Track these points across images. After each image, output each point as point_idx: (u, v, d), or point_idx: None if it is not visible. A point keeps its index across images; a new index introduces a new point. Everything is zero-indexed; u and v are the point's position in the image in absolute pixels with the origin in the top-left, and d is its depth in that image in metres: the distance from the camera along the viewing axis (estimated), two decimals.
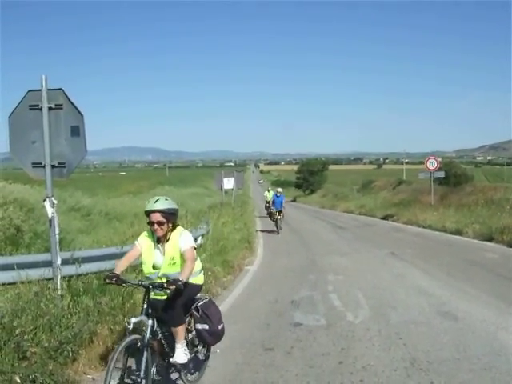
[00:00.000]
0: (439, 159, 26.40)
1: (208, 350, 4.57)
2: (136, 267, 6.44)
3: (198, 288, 4.33)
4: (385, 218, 25.15)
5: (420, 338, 5.57)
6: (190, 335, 4.35)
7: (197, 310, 4.25)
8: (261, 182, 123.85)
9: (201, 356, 4.50)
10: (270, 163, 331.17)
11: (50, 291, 5.41)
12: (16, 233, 13.64)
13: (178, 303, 4.04)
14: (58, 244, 5.56)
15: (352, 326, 6.17)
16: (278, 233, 18.86)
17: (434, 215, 20.01)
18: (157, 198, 4.06)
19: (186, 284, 3.97)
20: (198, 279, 4.29)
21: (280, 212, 19.31)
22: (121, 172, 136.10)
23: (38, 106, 5.39)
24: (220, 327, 4.32)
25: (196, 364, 4.51)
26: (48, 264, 5.69)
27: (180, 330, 4.09)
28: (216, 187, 28.01)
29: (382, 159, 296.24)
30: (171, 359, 4.08)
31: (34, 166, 5.55)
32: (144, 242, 4.13)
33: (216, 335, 4.30)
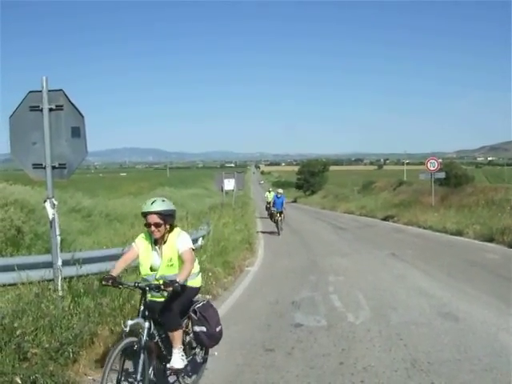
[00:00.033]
0: (440, 160, 26.39)
1: (206, 353, 4.50)
2: (137, 268, 6.43)
3: (196, 291, 4.28)
4: (385, 218, 25.16)
5: (421, 338, 5.57)
6: (188, 337, 4.29)
7: (194, 312, 4.19)
8: (261, 182, 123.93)
9: (199, 359, 4.45)
10: (271, 164, 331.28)
11: (51, 292, 5.41)
12: (17, 234, 13.65)
13: (175, 306, 3.99)
14: (58, 245, 5.55)
15: (353, 326, 6.17)
16: (279, 234, 18.85)
17: (434, 216, 20.02)
18: (153, 199, 4.00)
19: (184, 287, 3.94)
20: (195, 282, 4.24)
21: (281, 213, 19.30)
22: (121, 173, 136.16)
23: (38, 107, 5.39)
24: (218, 329, 4.26)
25: (194, 367, 4.45)
26: (49, 265, 5.69)
27: (177, 335, 4.02)
28: (217, 188, 28.01)
29: (382, 160, 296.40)
30: (168, 365, 4.02)
31: (34, 167, 5.55)
32: (141, 244, 4.09)
33: (214, 338, 4.24)
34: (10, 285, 5.96)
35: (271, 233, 19.19)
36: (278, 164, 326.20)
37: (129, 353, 3.67)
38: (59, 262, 5.50)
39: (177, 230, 4.08)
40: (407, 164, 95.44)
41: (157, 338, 3.97)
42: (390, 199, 33.22)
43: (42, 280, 5.80)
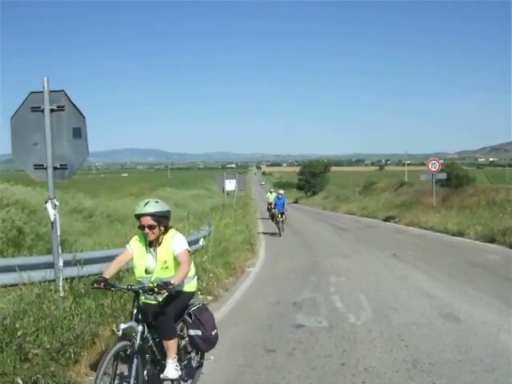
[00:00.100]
0: (441, 161, 26.39)
1: (201, 357, 4.39)
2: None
3: (191, 295, 4.18)
4: (387, 219, 25.15)
5: (422, 339, 5.57)
6: (183, 342, 4.19)
7: (189, 315, 4.10)
8: (262, 183, 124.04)
9: (194, 363, 4.33)
10: (272, 165, 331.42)
11: (52, 293, 5.42)
12: (18, 234, 13.67)
13: (169, 310, 3.89)
14: (59, 246, 5.56)
15: (354, 327, 6.16)
16: (280, 234, 18.84)
17: (435, 217, 19.99)
18: (147, 200, 3.89)
19: (179, 293, 3.87)
20: (190, 286, 4.12)
21: (282, 214, 19.30)
22: (123, 174, 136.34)
23: (39, 107, 5.40)
24: (213, 333, 4.15)
25: (189, 371, 4.33)
26: (50, 266, 5.70)
27: (171, 345, 3.89)
28: (218, 189, 28.02)
29: (383, 161, 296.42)
30: (161, 375, 3.92)
31: (35, 168, 5.55)
32: (135, 246, 4.00)
33: (209, 341, 4.13)
34: (11, 285, 5.96)
35: (272, 233, 19.18)
36: (279, 165, 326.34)
37: (122, 357, 3.59)
38: (60, 263, 5.50)
39: (172, 231, 3.98)
40: (408, 165, 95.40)
41: (150, 341, 3.87)
42: (392, 200, 33.20)
43: (43, 281, 5.80)
